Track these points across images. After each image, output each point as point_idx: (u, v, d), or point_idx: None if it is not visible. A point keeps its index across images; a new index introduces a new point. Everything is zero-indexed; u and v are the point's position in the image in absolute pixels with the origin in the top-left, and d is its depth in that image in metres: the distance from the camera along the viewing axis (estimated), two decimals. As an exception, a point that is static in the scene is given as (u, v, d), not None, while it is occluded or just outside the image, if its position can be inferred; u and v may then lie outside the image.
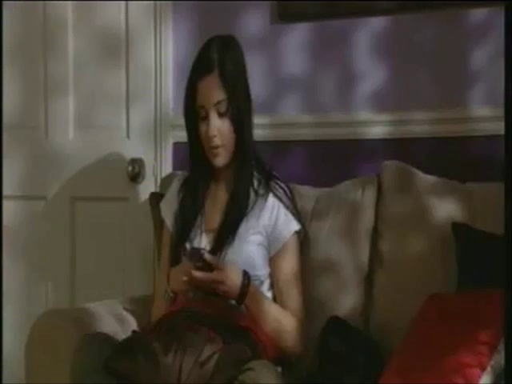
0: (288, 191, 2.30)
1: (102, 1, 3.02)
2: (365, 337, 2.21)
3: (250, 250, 2.22)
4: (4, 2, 3.11)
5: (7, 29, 3.16)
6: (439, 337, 1.94)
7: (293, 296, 2.24)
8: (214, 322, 2.08)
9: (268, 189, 2.27)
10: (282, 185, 2.31)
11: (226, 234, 2.22)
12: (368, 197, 2.41)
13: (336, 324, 2.19)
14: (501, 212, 1.77)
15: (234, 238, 2.21)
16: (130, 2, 2.98)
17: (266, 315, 2.17)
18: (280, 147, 2.76)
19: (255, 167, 2.30)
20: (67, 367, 2.04)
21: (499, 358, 1.84)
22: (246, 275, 2.14)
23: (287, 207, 2.26)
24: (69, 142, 3.11)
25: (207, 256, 2.10)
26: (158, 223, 2.51)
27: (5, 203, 3.13)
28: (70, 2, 3.08)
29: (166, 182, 2.66)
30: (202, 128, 2.23)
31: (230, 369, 1.92)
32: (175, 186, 2.40)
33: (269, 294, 2.26)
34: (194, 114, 2.25)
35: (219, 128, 2.21)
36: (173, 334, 2.02)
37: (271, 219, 2.24)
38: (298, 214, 2.29)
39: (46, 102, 3.13)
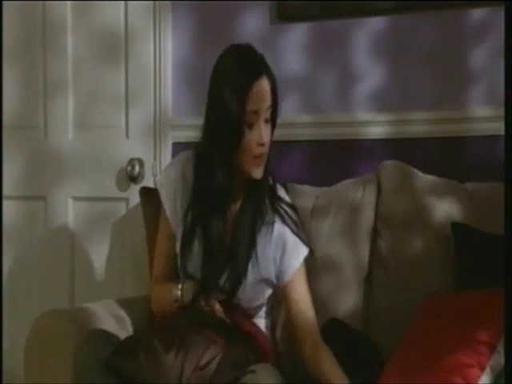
0: (293, 213, 2.17)
1: (101, 1, 3.02)
2: (364, 337, 2.21)
3: (253, 292, 2.14)
4: (4, 2, 3.11)
5: (7, 29, 3.16)
6: (438, 337, 1.94)
7: (308, 320, 2.14)
8: (217, 324, 2.08)
9: (274, 213, 2.13)
10: (286, 207, 2.16)
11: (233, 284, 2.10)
12: (368, 196, 2.41)
13: (334, 325, 2.19)
14: (500, 212, 1.77)
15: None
16: (129, 2, 2.99)
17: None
18: (280, 147, 2.75)
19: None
20: (67, 367, 2.03)
21: (498, 358, 1.84)
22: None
23: (294, 232, 2.14)
24: (68, 142, 3.11)
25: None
26: (150, 218, 2.49)
27: (5, 203, 3.14)
28: (69, 2, 3.08)
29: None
30: (249, 135, 2.01)
31: (231, 371, 1.91)
32: (177, 169, 2.19)
33: (265, 321, 2.22)
34: (242, 121, 2.00)
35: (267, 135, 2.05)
36: (175, 333, 2.01)
37: (278, 248, 2.13)
38: (304, 235, 2.17)
39: (46, 102, 3.13)
